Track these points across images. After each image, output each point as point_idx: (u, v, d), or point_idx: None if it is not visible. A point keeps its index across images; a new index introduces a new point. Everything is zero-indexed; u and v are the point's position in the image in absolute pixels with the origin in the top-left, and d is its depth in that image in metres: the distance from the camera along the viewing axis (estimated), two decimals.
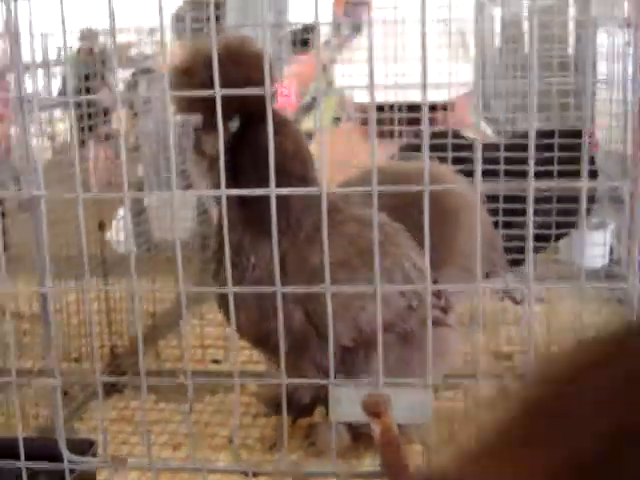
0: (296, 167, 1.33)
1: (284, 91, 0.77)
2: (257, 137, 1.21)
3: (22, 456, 0.96)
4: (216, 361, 1.84)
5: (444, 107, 2.36)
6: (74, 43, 3.05)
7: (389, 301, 1.31)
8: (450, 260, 1.42)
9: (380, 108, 2.19)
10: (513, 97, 2.57)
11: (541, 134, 1.95)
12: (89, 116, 2.00)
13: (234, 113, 1.25)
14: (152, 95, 2.60)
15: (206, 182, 1.28)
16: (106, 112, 2.11)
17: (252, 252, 1.32)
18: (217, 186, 0.91)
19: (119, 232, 2.14)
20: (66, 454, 0.96)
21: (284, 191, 0.83)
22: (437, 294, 1.39)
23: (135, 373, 1.80)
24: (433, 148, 1.86)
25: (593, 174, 2.07)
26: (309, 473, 1.07)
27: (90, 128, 2.05)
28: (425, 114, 0.86)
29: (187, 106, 1.26)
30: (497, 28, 3.37)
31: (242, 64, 1.19)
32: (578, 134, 2.10)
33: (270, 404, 1.56)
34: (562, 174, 1.93)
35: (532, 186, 0.85)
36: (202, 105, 1.16)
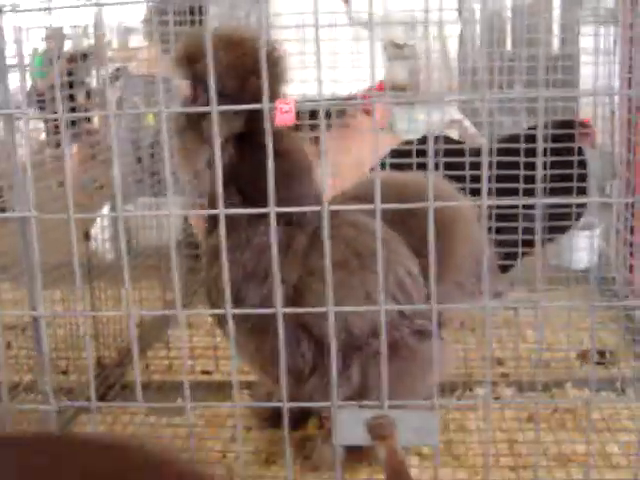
0: (298, 171, 1.32)
1: (284, 107, 0.74)
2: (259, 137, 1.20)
3: None
4: (207, 372, 1.81)
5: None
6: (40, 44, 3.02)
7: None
8: (445, 275, 1.40)
9: None
10: (498, 102, 2.55)
11: (529, 137, 1.93)
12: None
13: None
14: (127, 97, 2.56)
15: (205, 176, 1.24)
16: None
17: (250, 233, 1.30)
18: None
19: (102, 240, 2.11)
20: None
21: (285, 210, 0.80)
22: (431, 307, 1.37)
23: (122, 385, 1.79)
24: (422, 153, 1.85)
25: (582, 165, 2.05)
26: None
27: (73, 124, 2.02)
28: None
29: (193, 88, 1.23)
30: (478, 30, 3.36)
31: (245, 53, 1.17)
32: (569, 124, 2.09)
33: (262, 417, 1.53)
34: (554, 171, 1.91)
35: (521, 203, 0.82)
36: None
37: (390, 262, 1.33)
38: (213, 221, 1.34)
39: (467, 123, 2.98)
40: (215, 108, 0.81)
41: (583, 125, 2.11)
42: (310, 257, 1.29)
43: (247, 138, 1.24)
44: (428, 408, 0.90)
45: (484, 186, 0.84)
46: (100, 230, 2.12)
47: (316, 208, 0.83)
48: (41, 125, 2.35)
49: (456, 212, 1.42)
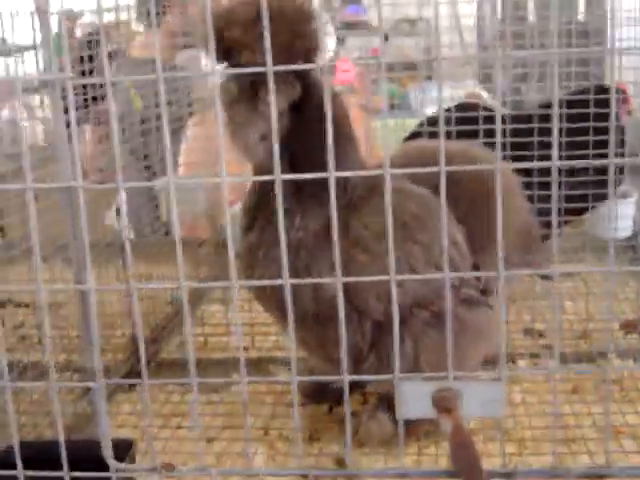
0: (348, 139, 1.28)
1: (343, 65, 0.70)
2: (312, 106, 1.15)
3: (65, 465, 0.90)
4: (247, 348, 1.78)
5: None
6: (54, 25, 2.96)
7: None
8: (488, 245, 1.36)
9: None
10: (516, 68, 2.50)
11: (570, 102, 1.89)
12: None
13: (294, 79, 1.17)
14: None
15: (258, 150, 1.18)
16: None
17: (298, 213, 1.25)
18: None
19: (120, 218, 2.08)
20: (113, 463, 0.90)
21: (344, 174, 0.76)
22: (477, 276, 1.34)
23: (157, 363, 1.76)
24: (460, 121, 1.81)
25: (620, 131, 1.99)
26: (377, 473, 1.00)
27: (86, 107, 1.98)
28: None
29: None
30: None
31: (296, 19, 1.11)
32: (604, 89, 2.03)
33: (305, 392, 1.50)
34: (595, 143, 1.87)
35: (556, 164, 0.78)
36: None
37: (436, 231, 1.29)
38: (252, 216, 1.30)
39: (485, 95, 2.94)
40: (270, 68, 0.78)
41: (619, 91, 2.06)
42: (352, 227, 1.25)
43: (301, 108, 1.19)
44: (494, 379, 0.86)
45: (555, 146, 0.79)
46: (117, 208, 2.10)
47: (378, 172, 0.79)
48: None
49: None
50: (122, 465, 0.91)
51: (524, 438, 1.39)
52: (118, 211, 1.74)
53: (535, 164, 0.84)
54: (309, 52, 1.11)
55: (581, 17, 2.85)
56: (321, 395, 1.49)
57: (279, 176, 0.80)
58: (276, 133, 0.82)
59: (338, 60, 0.82)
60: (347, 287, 1.24)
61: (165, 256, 1.85)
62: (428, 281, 1.27)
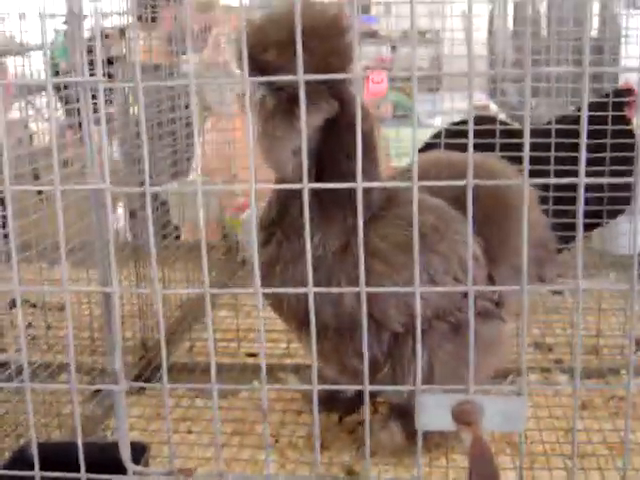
0: (372, 156, 1.28)
1: (376, 78, 0.71)
2: (345, 123, 1.16)
3: (82, 467, 0.90)
4: (252, 355, 1.78)
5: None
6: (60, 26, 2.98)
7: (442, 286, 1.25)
8: (503, 257, 1.36)
9: None
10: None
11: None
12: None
13: (330, 96, 1.17)
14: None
15: (289, 165, 1.19)
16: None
17: (319, 229, 1.26)
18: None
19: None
20: (130, 466, 0.90)
21: (371, 185, 0.76)
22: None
23: (168, 367, 1.75)
24: (476, 134, 1.80)
25: (629, 134, 1.98)
26: None
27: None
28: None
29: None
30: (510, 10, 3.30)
31: (329, 35, 1.12)
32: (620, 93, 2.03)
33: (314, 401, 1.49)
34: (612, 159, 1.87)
35: (583, 182, 0.77)
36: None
37: (454, 242, 1.29)
38: (270, 230, 1.30)
39: (494, 107, 2.93)
40: (301, 77, 0.78)
41: (629, 91, 2.05)
42: (370, 239, 1.26)
43: (333, 124, 1.19)
44: (516, 393, 0.86)
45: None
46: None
47: (406, 184, 0.79)
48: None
49: (515, 193, 1.38)
50: (139, 468, 0.91)
51: (534, 452, 1.39)
52: (132, 213, 1.74)
53: (562, 180, 0.84)
54: (344, 67, 1.12)
55: (594, 33, 2.85)
56: (331, 404, 1.48)
57: (307, 185, 0.80)
58: (306, 145, 0.82)
59: (370, 72, 0.82)
60: (366, 298, 1.25)
61: (178, 260, 1.86)
62: (447, 292, 1.27)
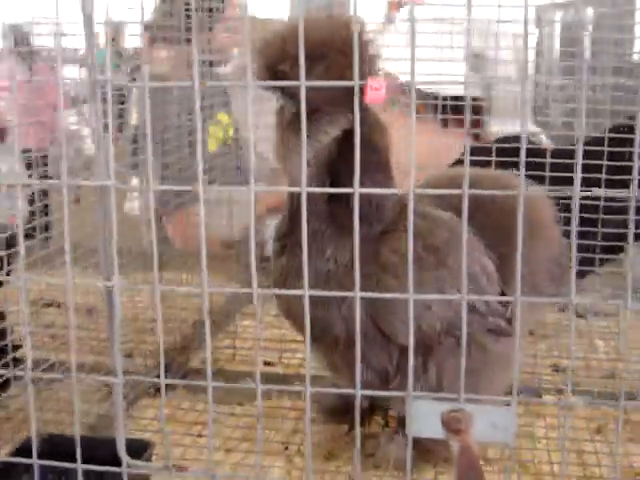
0: (386, 170, 1.30)
1: (374, 84, 0.72)
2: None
3: (79, 457, 0.91)
4: (269, 363, 1.79)
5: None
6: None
7: (452, 301, 1.25)
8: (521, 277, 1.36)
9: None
10: (572, 102, 2.49)
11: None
12: None
13: (347, 108, 1.18)
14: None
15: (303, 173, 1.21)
16: None
17: (330, 242, 1.27)
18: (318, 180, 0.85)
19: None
20: (125, 458, 0.92)
21: (369, 191, 0.78)
22: (503, 304, 1.34)
23: (185, 372, 1.77)
24: (501, 152, 1.81)
25: None
26: None
27: None
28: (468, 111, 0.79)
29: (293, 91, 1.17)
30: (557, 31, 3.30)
31: (347, 49, 1.12)
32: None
33: (326, 412, 1.51)
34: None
35: (578, 193, 0.77)
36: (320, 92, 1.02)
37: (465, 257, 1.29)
38: (283, 241, 1.31)
39: (543, 136, 2.92)
40: (304, 83, 0.79)
41: None
42: (382, 253, 1.26)
43: (347, 136, 1.21)
44: (506, 404, 0.86)
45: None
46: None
47: (397, 190, 0.80)
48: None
49: (532, 210, 1.38)
50: (134, 461, 0.92)
51: (541, 472, 1.38)
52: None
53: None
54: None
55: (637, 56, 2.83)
56: (342, 415, 1.49)
57: (304, 188, 0.81)
58: (313, 155, 0.83)
59: (369, 78, 0.82)
60: (375, 311, 1.26)
61: (194, 265, 1.88)
62: (453, 306, 1.27)
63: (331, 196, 1.25)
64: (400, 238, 1.26)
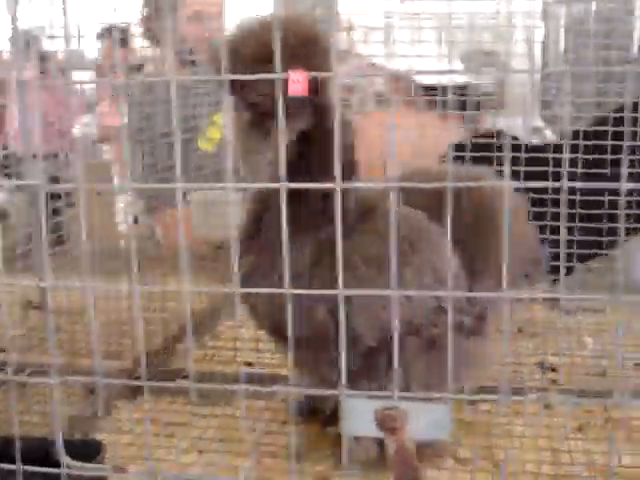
0: (352, 169, 1.29)
1: (295, 77, 0.71)
2: (321, 134, 1.17)
3: (18, 459, 0.91)
4: (249, 363, 1.78)
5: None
6: None
7: (416, 300, 1.24)
8: (487, 271, 1.34)
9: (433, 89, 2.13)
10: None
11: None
12: None
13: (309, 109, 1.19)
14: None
15: (264, 173, 1.21)
16: None
17: (292, 243, 1.26)
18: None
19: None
20: (64, 459, 0.91)
21: (352, 185, 0.77)
22: (471, 302, 1.32)
23: (159, 374, 1.76)
24: (484, 148, 1.80)
25: None
26: None
27: None
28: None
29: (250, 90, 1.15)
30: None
31: (298, 52, 1.09)
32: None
33: (298, 412, 1.50)
34: None
35: (565, 185, 0.76)
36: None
37: (429, 255, 1.28)
38: (248, 242, 1.30)
39: (548, 132, 2.90)
40: (225, 76, 0.78)
41: None
42: (343, 252, 1.25)
43: (311, 135, 1.20)
44: (441, 401, 0.84)
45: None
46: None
47: (374, 184, 0.79)
48: None
49: (500, 204, 1.36)
50: (73, 462, 0.92)
51: (515, 472, 1.36)
52: (136, 219, 1.77)
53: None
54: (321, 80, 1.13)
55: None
56: (313, 415, 1.48)
57: (285, 184, 0.80)
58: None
59: (290, 71, 0.81)
60: (337, 313, 1.24)
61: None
62: (417, 305, 1.26)
63: (291, 197, 1.24)
64: (359, 238, 1.25)
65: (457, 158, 1.81)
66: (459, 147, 1.93)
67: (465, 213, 1.32)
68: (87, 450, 1.03)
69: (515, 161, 1.76)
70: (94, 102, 2.84)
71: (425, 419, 0.84)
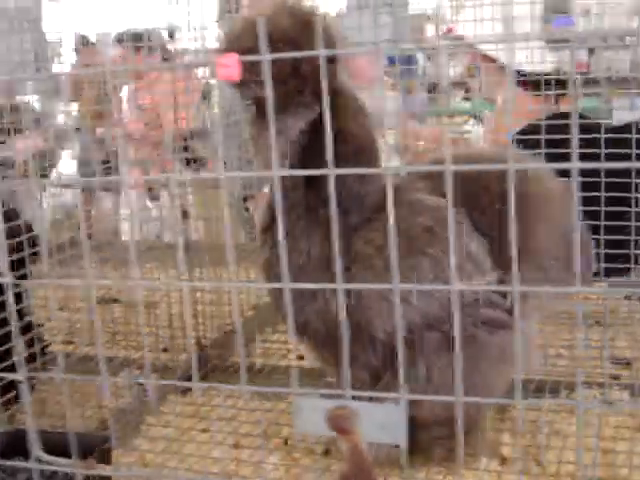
0: (369, 157, 1.25)
1: (225, 61, 0.68)
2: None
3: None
4: (302, 357, 1.75)
5: None
6: None
7: (436, 294, 1.18)
8: (524, 257, 1.26)
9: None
10: None
11: None
12: None
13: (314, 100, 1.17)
14: None
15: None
16: None
17: (304, 237, 1.24)
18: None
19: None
20: (35, 452, 0.92)
21: (344, 171, 0.74)
22: (502, 293, 1.24)
23: (224, 368, 1.76)
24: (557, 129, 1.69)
25: None
26: None
27: None
28: None
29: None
30: None
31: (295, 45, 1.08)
32: None
33: None
34: None
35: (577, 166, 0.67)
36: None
37: (448, 244, 1.22)
38: (266, 233, 1.29)
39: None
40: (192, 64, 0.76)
41: None
42: (354, 244, 1.22)
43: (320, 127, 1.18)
44: (394, 401, 0.79)
45: None
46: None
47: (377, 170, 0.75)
48: None
49: (538, 188, 1.28)
50: (45, 456, 0.92)
51: (559, 473, 1.29)
52: (185, 213, 1.77)
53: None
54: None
55: None
56: None
57: (277, 172, 0.78)
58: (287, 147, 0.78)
59: (220, 55, 0.78)
60: (350, 306, 1.20)
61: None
62: (437, 298, 1.20)
63: (307, 188, 1.22)
64: (373, 229, 1.21)
65: (529, 140, 1.72)
66: (535, 127, 1.83)
67: (495, 197, 1.25)
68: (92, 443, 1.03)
69: (593, 143, 1.65)
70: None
71: (377, 420, 0.80)
